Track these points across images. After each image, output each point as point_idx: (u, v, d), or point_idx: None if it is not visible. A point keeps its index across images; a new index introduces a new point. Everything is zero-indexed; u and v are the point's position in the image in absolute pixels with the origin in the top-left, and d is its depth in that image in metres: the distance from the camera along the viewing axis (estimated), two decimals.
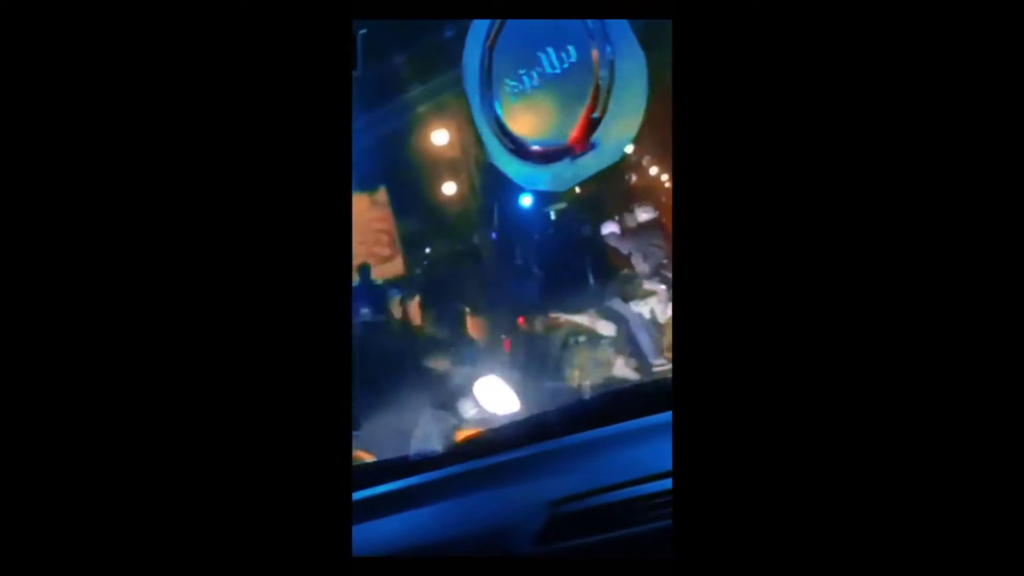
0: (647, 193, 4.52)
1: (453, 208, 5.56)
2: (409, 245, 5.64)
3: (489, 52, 3.71)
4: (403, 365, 3.84)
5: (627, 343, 3.73)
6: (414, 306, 4.86)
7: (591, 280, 4.14)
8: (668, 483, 1.09)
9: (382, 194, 5.60)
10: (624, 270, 4.13)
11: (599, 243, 4.33)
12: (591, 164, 3.54)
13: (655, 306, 3.84)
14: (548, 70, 3.53)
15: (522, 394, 3.21)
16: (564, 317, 3.80)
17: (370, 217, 5.53)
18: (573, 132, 3.50)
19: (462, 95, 3.98)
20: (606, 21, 3.34)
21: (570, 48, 3.46)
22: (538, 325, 3.96)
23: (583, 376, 3.54)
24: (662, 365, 3.65)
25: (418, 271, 5.52)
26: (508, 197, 4.83)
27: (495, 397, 3.15)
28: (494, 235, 5.15)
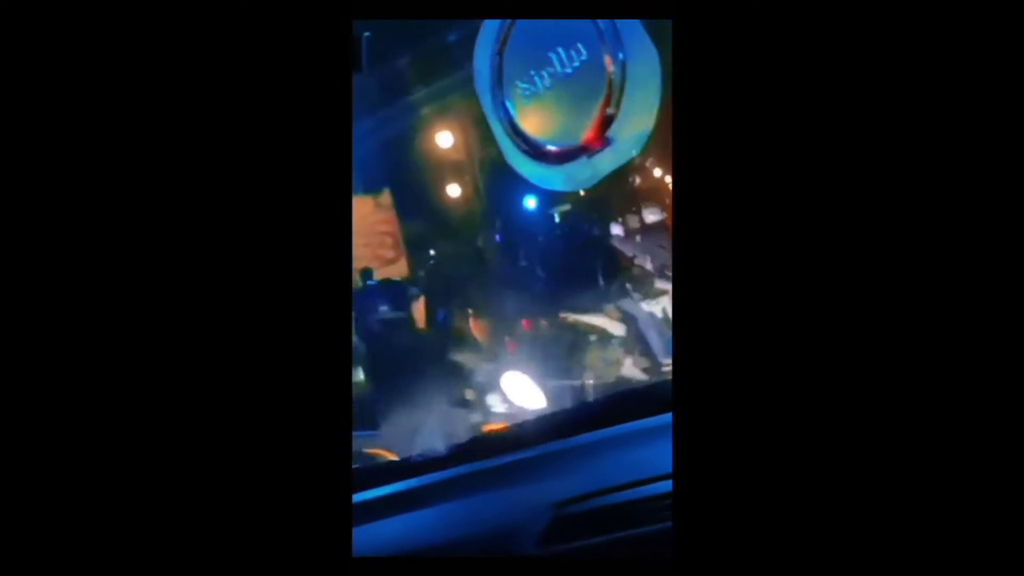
0: (653, 194, 4.51)
1: (457, 210, 5.56)
2: (413, 247, 5.65)
3: (499, 56, 3.71)
4: (417, 364, 3.86)
5: (637, 342, 3.72)
6: (419, 307, 4.87)
7: (599, 280, 4.13)
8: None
9: (386, 196, 5.60)
10: (632, 270, 4.12)
11: (605, 244, 4.33)
12: (607, 161, 3.54)
13: (665, 305, 3.84)
14: (559, 70, 3.53)
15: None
16: (573, 317, 3.80)
17: (374, 219, 5.53)
18: (588, 130, 3.50)
19: (466, 97, 3.98)
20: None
21: (580, 46, 3.46)
22: (543, 326, 3.96)
23: (593, 376, 3.54)
24: (671, 365, 3.64)
25: (422, 273, 5.52)
26: (512, 199, 4.83)
27: (522, 392, 3.16)
28: (498, 237, 5.15)
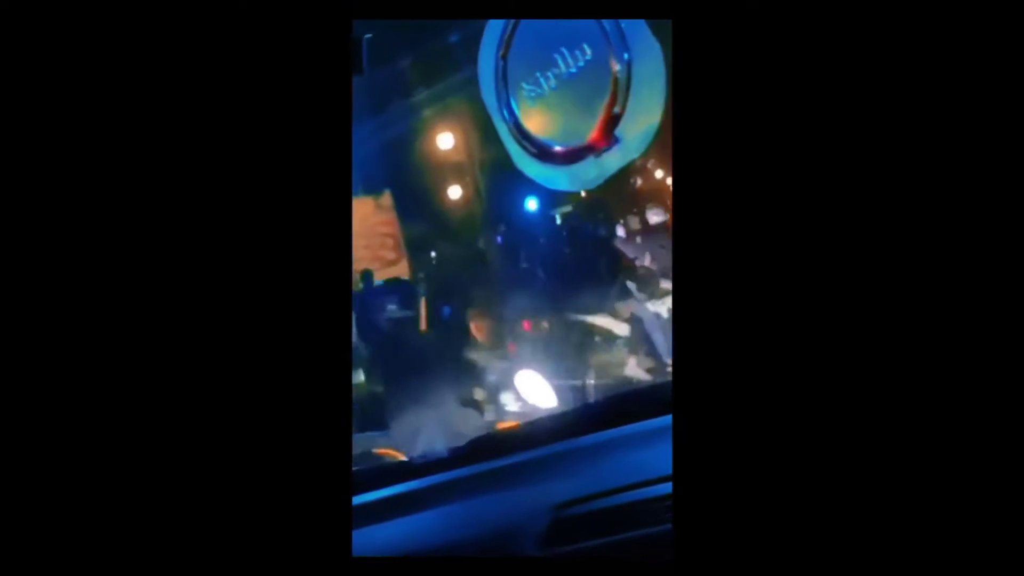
0: (655, 195, 4.51)
1: (458, 212, 5.56)
2: (414, 249, 5.65)
3: (503, 59, 3.72)
4: (426, 363, 3.87)
5: (641, 343, 3.72)
6: (420, 309, 4.88)
7: (601, 281, 4.13)
8: None
9: (387, 198, 5.61)
10: (635, 271, 4.12)
11: (608, 245, 4.33)
12: (615, 160, 3.55)
13: (671, 306, 3.84)
14: (564, 70, 3.54)
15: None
16: (576, 317, 3.80)
17: (375, 221, 5.54)
18: (594, 130, 3.51)
19: (467, 99, 3.98)
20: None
21: (585, 46, 3.47)
22: (545, 327, 3.96)
23: (596, 376, 3.54)
24: None
25: (423, 275, 5.53)
26: (514, 200, 4.84)
27: (535, 391, 3.16)
28: (499, 238, 5.15)
